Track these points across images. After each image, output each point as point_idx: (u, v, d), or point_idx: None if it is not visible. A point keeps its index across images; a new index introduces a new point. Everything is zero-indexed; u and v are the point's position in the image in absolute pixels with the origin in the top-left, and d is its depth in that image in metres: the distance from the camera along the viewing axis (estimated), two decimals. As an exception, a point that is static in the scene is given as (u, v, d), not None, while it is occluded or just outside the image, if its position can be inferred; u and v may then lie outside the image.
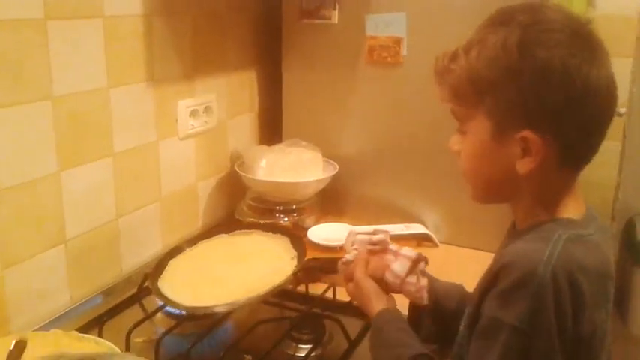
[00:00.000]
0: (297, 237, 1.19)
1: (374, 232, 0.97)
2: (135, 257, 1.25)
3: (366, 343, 1.01)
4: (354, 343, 1.01)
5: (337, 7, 1.47)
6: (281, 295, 1.13)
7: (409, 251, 0.93)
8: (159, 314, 1.07)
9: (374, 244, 0.95)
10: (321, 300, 1.11)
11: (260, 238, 1.20)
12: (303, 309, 1.07)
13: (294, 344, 1.00)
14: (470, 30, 1.37)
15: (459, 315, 0.84)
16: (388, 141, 1.48)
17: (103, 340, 0.91)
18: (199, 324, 1.04)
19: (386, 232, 0.97)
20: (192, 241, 1.19)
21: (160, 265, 1.10)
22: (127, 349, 0.94)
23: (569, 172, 0.76)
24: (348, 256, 0.96)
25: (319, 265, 1.21)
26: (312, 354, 0.97)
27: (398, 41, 1.42)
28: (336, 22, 1.48)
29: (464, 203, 1.26)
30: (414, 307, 0.94)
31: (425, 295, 0.91)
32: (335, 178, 1.47)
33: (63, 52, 1.04)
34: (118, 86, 1.17)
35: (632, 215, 2.61)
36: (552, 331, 0.67)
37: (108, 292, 1.17)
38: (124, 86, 1.18)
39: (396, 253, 0.93)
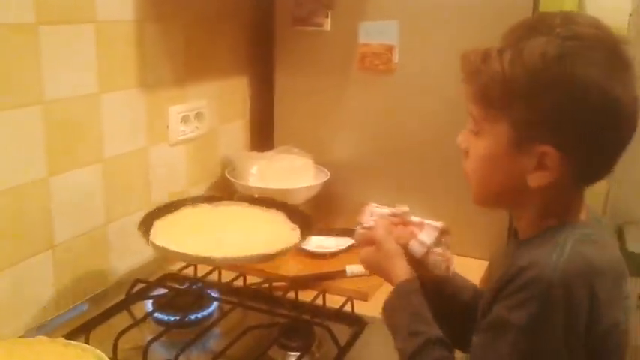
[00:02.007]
0: (295, 210, 1.17)
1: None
2: (123, 264, 1.25)
3: (355, 349, 1.02)
4: (343, 350, 1.00)
5: (330, 14, 1.47)
6: (270, 301, 1.13)
7: (435, 222, 0.90)
8: (147, 321, 1.06)
9: (395, 216, 0.91)
10: (310, 307, 1.10)
11: (251, 210, 1.19)
12: (293, 315, 1.07)
13: (282, 351, 1.00)
14: (461, 37, 1.39)
15: (470, 308, 0.84)
16: (380, 147, 1.49)
17: (89, 346, 0.90)
18: (187, 331, 1.04)
19: (407, 209, 0.93)
20: (173, 206, 1.17)
21: (145, 223, 1.08)
22: (115, 355, 0.93)
23: (581, 187, 0.76)
24: (366, 224, 0.91)
25: (315, 274, 1.22)
26: (302, 360, 0.97)
27: (390, 49, 1.43)
28: (329, 29, 1.48)
29: (455, 210, 1.27)
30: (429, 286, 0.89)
31: (452, 266, 0.88)
32: (326, 185, 1.47)
33: (54, 57, 1.04)
34: (110, 92, 1.16)
35: (621, 224, 2.63)
36: (560, 334, 0.67)
37: (96, 299, 1.16)
38: (116, 92, 1.18)
39: (420, 225, 0.90)
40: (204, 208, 1.19)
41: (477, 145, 0.77)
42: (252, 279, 1.19)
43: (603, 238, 0.76)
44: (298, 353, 0.97)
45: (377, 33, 1.43)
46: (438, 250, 0.87)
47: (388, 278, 0.87)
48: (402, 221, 0.91)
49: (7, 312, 1.01)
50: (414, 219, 0.91)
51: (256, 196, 1.26)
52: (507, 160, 0.74)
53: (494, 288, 0.74)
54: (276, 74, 1.56)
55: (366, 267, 0.92)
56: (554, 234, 0.73)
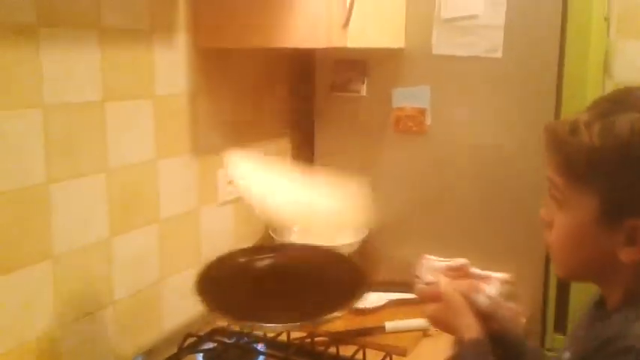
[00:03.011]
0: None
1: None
2: (176, 318, 1.32)
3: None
4: (384, 405, 1.04)
5: (366, 81, 1.57)
6: (313, 355, 1.17)
7: (497, 273, 0.87)
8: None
9: (453, 269, 0.89)
10: (351, 361, 1.15)
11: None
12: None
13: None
14: (487, 100, 1.46)
15: None
16: (415, 204, 1.55)
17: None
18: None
19: (466, 260, 0.91)
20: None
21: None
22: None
23: None
24: (426, 279, 0.89)
25: (355, 329, 1.26)
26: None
27: (422, 112, 1.51)
28: (365, 94, 1.58)
29: (493, 266, 1.30)
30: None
31: (522, 319, 0.87)
32: (365, 241, 1.53)
33: (117, 129, 1.15)
34: (165, 158, 1.28)
35: None
36: None
37: (150, 353, 1.23)
38: (171, 158, 1.29)
39: (481, 277, 0.88)
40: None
41: (561, 217, 0.76)
42: (295, 334, 1.24)
43: None
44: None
45: (410, 97, 1.52)
46: (507, 304, 0.85)
47: (457, 333, 0.86)
48: (462, 274, 0.90)
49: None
50: (475, 270, 0.90)
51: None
52: (595, 233, 0.72)
53: (579, 354, 0.73)
54: (316, 137, 1.66)
55: (434, 324, 0.91)
56: None
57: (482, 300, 0.85)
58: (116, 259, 1.17)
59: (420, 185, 1.54)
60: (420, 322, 1.31)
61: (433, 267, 0.91)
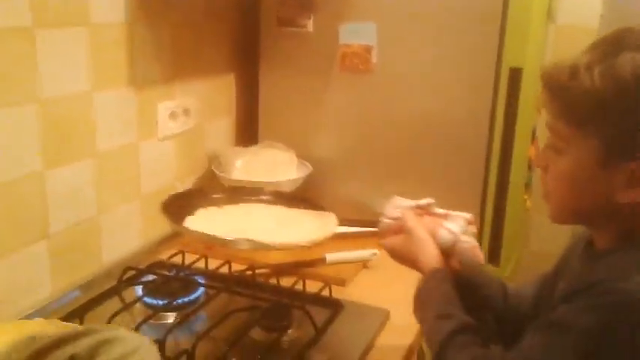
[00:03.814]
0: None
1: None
2: (115, 252, 1.31)
3: (331, 331, 1.09)
4: (320, 331, 1.07)
5: (312, 16, 1.54)
6: (253, 287, 1.20)
7: (461, 213, 0.91)
8: (137, 305, 1.13)
9: (420, 207, 0.92)
10: (290, 292, 1.18)
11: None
12: (274, 300, 1.14)
13: (263, 332, 1.06)
14: (435, 40, 1.46)
15: (492, 303, 0.89)
16: (360, 143, 1.56)
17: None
18: (175, 314, 1.11)
19: (432, 200, 0.95)
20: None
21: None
22: (107, 336, 1.00)
23: None
24: (392, 215, 0.93)
25: (295, 261, 1.29)
26: (281, 340, 1.04)
27: (368, 49, 1.50)
28: (311, 30, 1.55)
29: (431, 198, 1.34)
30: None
31: (481, 254, 0.89)
32: (308, 178, 1.54)
33: (49, 59, 1.10)
34: (101, 90, 1.23)
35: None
36: (621, 351, 0.66)
37: (88, 285, 1.22)
38: (107, 90, 1.25)
39: (445, 216, 0.91)
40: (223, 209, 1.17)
41: (559, 162, 0.76)
42: (236, 267, 1.26)
43: None
44: (278, 333, 1.05)
45: (356, 34, 1.50)
46: (466, 238, 0.89)
47: (418, 266, 0.89)
48: (427, 212, 0.93)
49: (3, 297, 1.08)
50: (439, 210, 0.93)
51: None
52: (594, 176, 0.73)
53: (565, 292, 0.74)
54: (261, 73, 1.63)
55: (392, 255, 0.94)
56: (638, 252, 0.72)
57: (444, 235, 0.89)
58: (51, 192, 1.14)
59: (364, 124, 1.55)
60: (360, 254, 1.36)
61: (400, 205, 0.94)
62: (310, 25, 1.55)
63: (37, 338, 0.76)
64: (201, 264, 1.26)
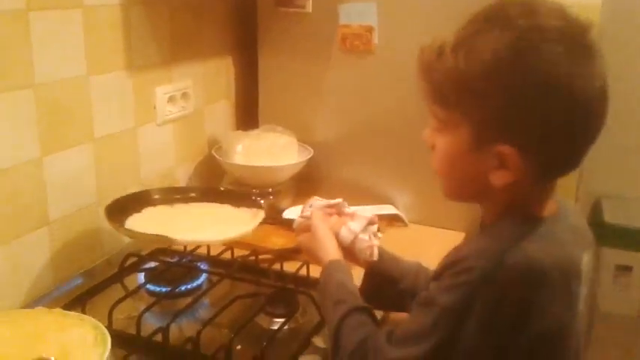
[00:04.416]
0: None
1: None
2: (116, 239, 1.30)
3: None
4: (325, 317, 1.07)
5: (311, -4, 1.51)
6: (257, 272, 1.19)
7: (365, 212, 0.98)
8: (140, 292, 1.12)
9: (330, 207, 1.00)
10: (294, 277, 1.17)
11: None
12: (278, 285, 1.13)
13: (268, 318, 1.06)
14: (438, 20, 1.44)
15: (406, 295, 0.90)
16: (360, 125, 1.54)
17: (86, 316, 0.94)
18: (178, 301, 1.10)
19: (342, 200, 1.02)
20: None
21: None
22: (110, 325, 0.99)
23: (548, 182, 0.75)
24: (305, 213, 1.00)
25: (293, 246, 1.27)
26: (286, 327, 1.03)
27: (369, 29, 1.48)
28: (310, 10, 1.52)
29: (432, 185, 1.33)
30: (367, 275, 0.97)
31: (375, 252, 0.95)
32: (310, 162, 1.52)
33: (44, 42, 1.07)
34: (98, 74, 1.20)
35: (599, 197, 2.72)
36: (477, 327, 0.67)
37: (90, 273, 1.21)
38: (104, 74, 1.22)
39: (352, 215, 0.98)
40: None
41: (439, 141, 0.76)
42: (239, 252, 1.25)
43: (558, 237, 0.73)
44: (283, 320, 1.04)
45: (356, 14, 1.47)
46: (365, 237, 0.95)
47: (319, 261, 0.94)
48: (338, 211, 1.00)
49: (5, 286, 1.07)
50: (348, 210, 1.00)
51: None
52: (469, 158, 0.72)
53: (436, 269, 0.75)
54: (260, 55, 1.60)
55: (303, 251, 1.00)
56: (507, 228, 0.72)
57: (344, 233, 0.95)
58: (49, 179, 1.12)
59: (367, 105, 1.53)
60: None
61: (313, 204, 1.01)
62: (309, 5, 1.52)
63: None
64: (203, 250, 1.25)
